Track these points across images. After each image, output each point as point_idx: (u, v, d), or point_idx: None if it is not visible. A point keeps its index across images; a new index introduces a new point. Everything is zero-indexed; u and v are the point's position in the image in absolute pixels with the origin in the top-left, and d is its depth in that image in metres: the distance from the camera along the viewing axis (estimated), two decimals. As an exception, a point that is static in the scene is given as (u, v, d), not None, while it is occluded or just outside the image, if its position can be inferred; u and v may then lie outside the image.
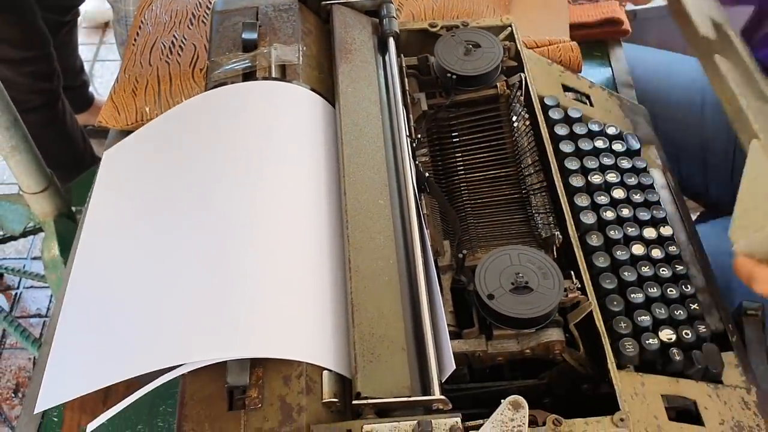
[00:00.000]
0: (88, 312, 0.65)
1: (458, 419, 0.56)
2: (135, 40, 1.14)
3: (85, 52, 2.61)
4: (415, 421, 0.55)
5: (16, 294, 2.07)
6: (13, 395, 1.88)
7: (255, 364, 0.58)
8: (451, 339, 0.66)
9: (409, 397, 0.57)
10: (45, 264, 1.47)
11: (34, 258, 2.11)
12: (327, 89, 0.80)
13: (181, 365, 0.57)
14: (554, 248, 0.75)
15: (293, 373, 0.57)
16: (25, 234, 1.61)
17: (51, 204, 1.42)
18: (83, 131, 1.98)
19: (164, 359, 0.57)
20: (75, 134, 1.93)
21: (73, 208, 1.48)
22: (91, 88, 2.30)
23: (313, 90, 0.78)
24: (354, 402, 0.57)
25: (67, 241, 1.41)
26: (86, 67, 2.34)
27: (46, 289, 2.05)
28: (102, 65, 2.63)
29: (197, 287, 0.62)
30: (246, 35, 0.80)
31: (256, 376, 0.58)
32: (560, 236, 0.75)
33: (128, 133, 1.08)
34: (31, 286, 2.07)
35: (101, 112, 1.09)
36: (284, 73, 0.78)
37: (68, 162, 1.91)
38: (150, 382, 0.59)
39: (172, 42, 1.11)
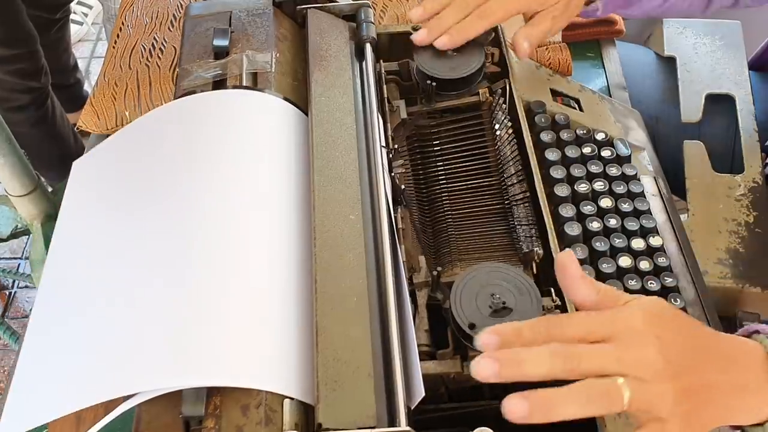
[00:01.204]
0: (50, 336, 0.62)
1: (424, 452, 0.54)
2: (115, 42, 1.11)
3: (81, 48, 2.59)
4: (379, 455, 0.53)
5: (10, 294, 2.05)
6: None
7: (212, 392, 0.55)
8: (425, 360, 0.64)
9: (374, 427, 0.55)
10: (32, 266, 1.45)
11: (28, 258, 2.09)
12: (301, 97, 0.77)
13: (136, 394, 0.55)
14: (533, 264, 0.72)
15: (252, 402, 0.55)
16: (14, 236, 1.58)
17: (37, 207, 1.40)
18: (74, 130, 1.96)
19: (115, 388, 0.54)
20: (65, 133, 1.91)
21: (62, 210, 1.46)
22: (86, 86, 2.28)
23: (285, 99, 0.75)
24: (315, 433, 0.54)
25: (54, 245, 1.39)
26: (82, 64, 2.32)
27: (39, 289, 2.04)
28: (99, 62, 2.60)
29: (153, 310, 0.59)
30: (217, 42, 0.77)
31: (213, 405, 0.55)
32: (540, 252, 0.72)
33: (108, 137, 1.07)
34: (26, 286, 2.05)
35: (81, 117, 1.07)
36: (256, 81, 0.76)
37: (58, 162, 1.89)
38: (112, 411, 0.57)
39: (152, 44, 1.09)
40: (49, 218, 1.43)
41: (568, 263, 0.58)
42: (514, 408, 0.49)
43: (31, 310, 1.97)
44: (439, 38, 0.82)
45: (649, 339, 0.53)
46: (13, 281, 2.06)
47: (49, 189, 1.44)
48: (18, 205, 1.40)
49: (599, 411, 0.52)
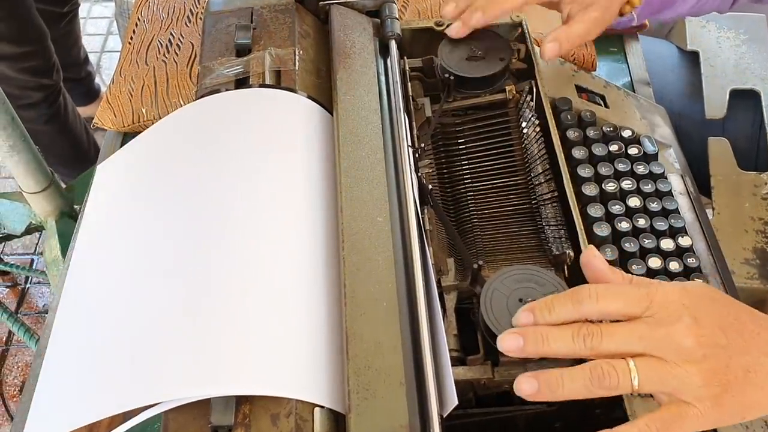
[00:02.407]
0: (75, 344, 0.61)
1: (458, 463, 0.52)
2: (131, 38, 1.10)
3: (92, 42, 2.58)
4: (413, 466, 0.51)
5: (23, 290, 2.05)
6: (19, 392, 1.87)
7: (241, 401, 0.54)
8: (454, 365, 0.62)
9: (407, 437, 0.53)
10: (46, 263, 1.45)
11: (42, 254, 2.09)
12: (325, 95, 0.76)
13: (162, 402, 0.54)
14: (565, 266, 0.71)
15: (282, 411, 0.54)
16: (28, 232, 1.58)
17: (52, 203, 1.39)
18: (87, 126, 1.95)
19: (143, 397, 0.53)
20: (77, 130, 1.90)
21: (76, 207, 1.45)
22: (97, 80, 2.26)
23: (309, 97, 0.74)
24: (347, 444, 0.53)
25: (68, 241, 1.37)
26: (93, 58, 2.31)
27: (52, 285, 2.04)
28: (110, 56, 2.59)
29: (181, 317, 0.58)
30: (239, 39, 0.76)
31: (242, 414, 0.54)
32: (572, 254, 0.70)
33: (125, 134, 1.05)
34: (39, 282, 2.05)
35: (97, 114, 1.05)
36: (279, 80, 0.74)
37: (71, 158, 1.89)
38: (132, 417, 0.56)
39: (169, 40, 1.07)
40: (63, 215, 1.42)
41: (591, 259, 0.58)
42: (525, 386, 0.52)
43: (44, 305, 1.97)
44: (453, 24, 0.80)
45: (683, 318, 0.53)
46: (27, 277, 2.05)
47: (63, 185, 1.43)
48: (32, 202, 1.39)
49: (603, 392, 0.52)
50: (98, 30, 2.68)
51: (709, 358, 0.52)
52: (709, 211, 0.89)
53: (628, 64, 1.10)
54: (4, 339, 1.95)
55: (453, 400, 0.56)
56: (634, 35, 1.14)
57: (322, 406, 0.55)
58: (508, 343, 0.53)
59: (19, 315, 1.90)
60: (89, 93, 2.20)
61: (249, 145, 0.69)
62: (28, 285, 2.06)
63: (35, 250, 2.12)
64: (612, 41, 1.12)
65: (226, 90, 0.74)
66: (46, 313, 1.98)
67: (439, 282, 0.69)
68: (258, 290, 0.60)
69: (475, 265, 0.68)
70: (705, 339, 0.52)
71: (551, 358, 0.56)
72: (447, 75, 0.79)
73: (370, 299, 0.60)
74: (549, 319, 0.54)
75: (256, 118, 0.70)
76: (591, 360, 0.53)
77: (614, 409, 0.65)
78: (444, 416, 0.56)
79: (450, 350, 0.64)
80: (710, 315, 0.54)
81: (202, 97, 0.74)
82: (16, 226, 1.54)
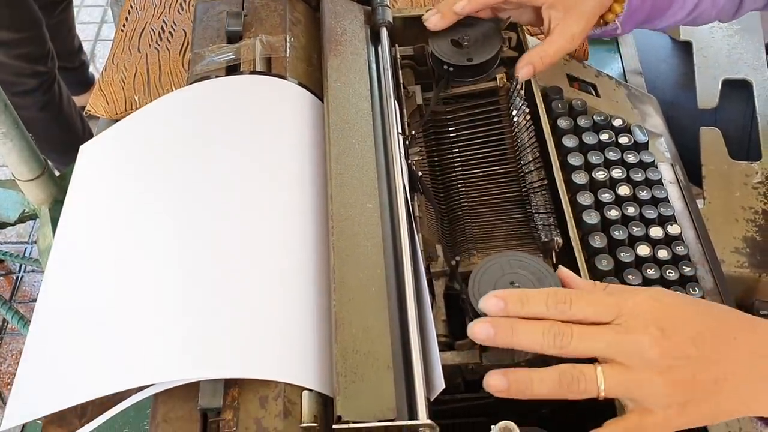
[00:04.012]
0: (59, 324, 0.61)
1: (445, 445, 0.53)
2: (124, 25, 1.10)
3: (86, 31, 2.57)
4: (399, 449, 0.52)
5: (17, 278, 2.05)
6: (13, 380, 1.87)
7: (230, 384, 0.55)
8: (443, 350, 0.63)
9: (394, 420, 0.54)
10: (40, 251, 1.45)
11: (36, 242, 2.09)
12: (316, 83, 0.76)
13: (152, 385, 0.54)
14: (554, 253, 0.71)
15: (270, 394, 0.54)
16: (21, 220, 1.58)
17: (45, 191, 1.39)
18: (81, 114, 1.95)
19: (132, 379, 0.53)
20: (72, 118, 1.90)
21: (70, 195, 1.45)
22: (91, 69, 2.26)
23: (300, 84, 0.74)
24: (335, 426, 0.53)
25: (62, 229, 1.38)
26: (87, 46, 2.30)
27: (46, 273, 2.04)
28: (104, 45, 2.59)
29: (171, 300, 0.58)
30: (230, 26, 0.76)
31: (231, 397, 0.54)
32: (560, 241, 0.71)
33: (117, 121, 1.05)
34: (33, 270, 2.05)
35: (89, 101, 1.05)
36: (270, 67, 0.74)
37: (66, 146, 1.88)
38: (124, 399, 0.56)
39: (162, 28, 1.07)
40: (57, 203, 1.42)
41: (565, 271, 0.61)
42: (495, 382, 0.54)
43: (38, 294, 1.98)
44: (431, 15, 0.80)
45: (650, 328, 0.54)
46: (20, 265, 2.06)
47: (57, 173, 1.43)
48: (26, 190, 1.39)
49: (571, 395, 0.54)
50: (92, 18, 2.68)
51: (674, 369, 0.53)
52: (699, 201, 0.89)
53: (620, 53, 1.11)
54: (-2, 327, 1.95)
55: (440, 384, 0.56)
56: (626, 25, 1.14)
57: (310, 390, 0.56)
58: (479, 331, 0.55)
59: (13, 304, 1.90)
60: (83, 82, 2.19)
61: (239, 131, 0.69)
62: (21, 273, 2.06)
63: (29, 239, 2.12)
64: (605, 31, 1.12)
65: (216, 77, 0.74)
66: (41, 302, 1.98)
67: (428, 268, 0.69)
68: (248, 275, 0.60)
69: (454, 261, 0.68)
70: (671, 350, 0.53)
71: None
72: (445, 66, 0.79)
73: (359, 285, 0.60)
74: (520, 312, 0.55)
75: (247, 105, 0.71)
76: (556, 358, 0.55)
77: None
78: (431, 399, 0.57)
79: (438, 335, 0.65)
80: (682, 325, 0.55)
81: (193, 83, 0.74)
82: (10, 214, 1.54)
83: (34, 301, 1.97)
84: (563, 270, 0.61)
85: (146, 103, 1.01)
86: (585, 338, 0.54)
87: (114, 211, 0.66)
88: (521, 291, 0.56)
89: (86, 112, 1.07)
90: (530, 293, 0.56)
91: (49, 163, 1.37)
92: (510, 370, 0.54)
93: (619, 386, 0.53)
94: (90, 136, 1.93)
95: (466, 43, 0.81)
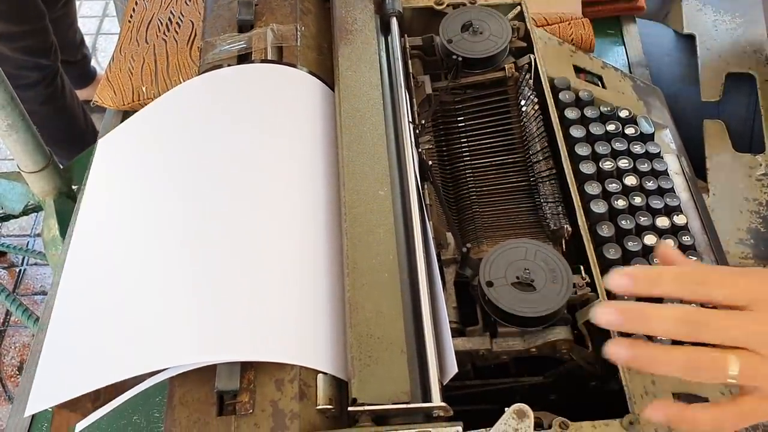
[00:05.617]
0: (79, 312, 0.62)
1: (459, 428, 0.53)
2: (131, 16, 1.10)
3: (87, 24, 2.57)
4: (415, 431, 0.52)
5: (20, 271, 2.05)
6: (17, 372, 1.87)
7: (246, 367, 0.55)
8: (453, 337, 0.63)
9: (408, 403, 0.54)
10: (45, 243, 1.45)
11: (38, 235, 2.09)
12: (327, 71, 0.77)
13: (168, 368, 0.55)
14: (563, 241, 0.72)
15: (286, 377, 0.55)
16: (25, 212, 1.58)
17: (50, 183, 1.40)
18: (84, 107, 1.95)
19: (150, 363, 0.54)
20: (75, 110, 1.89)
21: (74, 187, 1.45)
22: (93, 62, 2.26)
23: (311, 73, 0.75)
24: (350, 408, 0.54)
25: (66, 221, 1.38)
26: (89, 40, 2.30)
27: (49, 266, 2.04)
28: (105, 38, 2.59)
29: (187, 286, 0.59)
30: (242, 15, 0.76)
31: (247, 380, 0.55)
32: (569, 229, 0.71)
33: (125, 112, 1.06)
34: (35, 263, 2.05)
35: (97, 92, 1.06)
36: (281, 55, 0.75)
37: (68, 139, 1.88)
38: (138, 384, 0.57)
39: (169, 18, 1.08)
40: (62, 195, 1.42)
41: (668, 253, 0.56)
42: (618, 353, 0.50)
43: (41, 287, 1.98)
44: None
45: None
46: (23, 258, 2.06)
47: (61, 166, 1.43)
48: (30, 182, 1.39)
49: (700, 379, 0.51)
50: (94, 12, 2.67)
51: None
52: (704, 194, 0.90)
53: (625, 46, 1.11)
54: (1, 320, 1.95)
55: (453, 368, 0.57)
56: (631, 17, 1.15)
57: (325, 373, 0.56)
58: (604, 317, 0.50)
59: (15, 296, 1.90)
60: (85, 75, 2.19)
61: (251, 120, 0.69)
62: (25, 266, 2.06)
63: (31, 232, 2.12)
64: (609, 24, 1.13)
65: (228, 65, 0.75)
66: (43, 295, 1.99)
67: (439, 255, 0.70)
68: (263, 260, 0.61)
69: (465, 249, 0.69)
70: None
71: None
72: (455, 56, 0.80)
73: (372, 270, 0.61)
74: (650, 292, 0.51)
75: (258, 93, 0.71)
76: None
77: (609, 381, 0.66)
78: (444, 383, 0.57)
79: (449, 322, 0.65)
80: None
81: (204, 72, 0.74)
82: (14, 206, 1.54)
83: (37, 293, 1.98)
84: (663, 245, 0.56)
85: (153, 94, 1.02)
86: (722, 329, 0.50)
87: (132, 200, 0.67)
88: (649, 269, 0.53)
89: (93, 103, 1.07)
90: (659, 271, 0.52)
91: (54, 155, 1.37)
92: (638, 343, 0.51)
93: (754, 377, 0.50)
94: (93, 129, 1.95)
95: (476, 34, 0.81)
